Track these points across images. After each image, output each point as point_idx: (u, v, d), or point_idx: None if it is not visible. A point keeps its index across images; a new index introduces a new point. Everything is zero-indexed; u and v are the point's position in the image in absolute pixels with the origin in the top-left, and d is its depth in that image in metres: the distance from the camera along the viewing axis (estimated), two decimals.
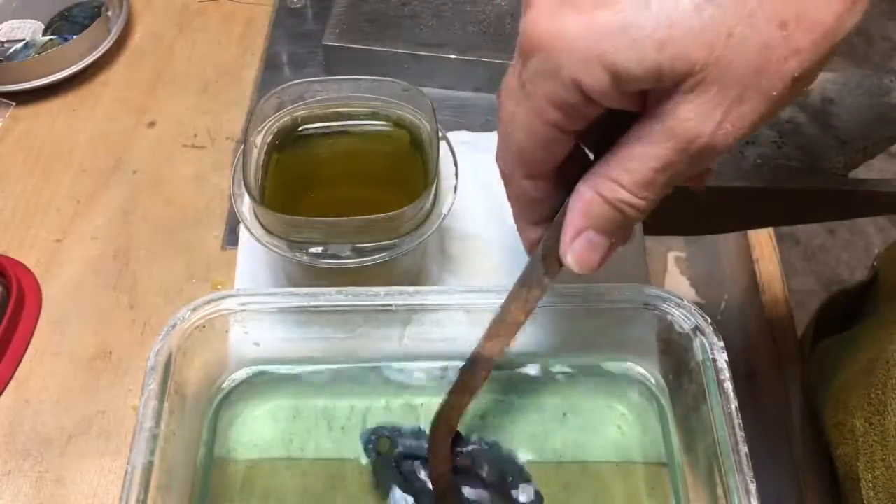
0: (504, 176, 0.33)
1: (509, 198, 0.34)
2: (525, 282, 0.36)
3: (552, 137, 0.29)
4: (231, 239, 0.54)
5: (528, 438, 0.43)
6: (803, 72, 0.26)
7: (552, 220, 0.34)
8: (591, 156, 0.32)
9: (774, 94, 0.26)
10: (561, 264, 0.34)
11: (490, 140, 0.58)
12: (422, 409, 0.44)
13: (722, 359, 0.39)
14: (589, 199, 0.30)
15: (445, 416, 0.40)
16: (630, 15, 0.25)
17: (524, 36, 0.27)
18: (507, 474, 0.41)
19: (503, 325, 0.37)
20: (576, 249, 0.32)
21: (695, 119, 0.26)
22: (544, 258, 0.34)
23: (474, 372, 0.38)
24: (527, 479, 0.41)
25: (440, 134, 0.45)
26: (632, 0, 0.25)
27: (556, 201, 0.33)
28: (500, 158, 0.32)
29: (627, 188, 0.29)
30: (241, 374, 0.45)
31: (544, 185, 0.32)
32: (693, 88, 0.25)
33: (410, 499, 0.41)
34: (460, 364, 0.43)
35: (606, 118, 0.29)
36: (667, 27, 0.24)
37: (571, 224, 0.31)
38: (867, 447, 0.40)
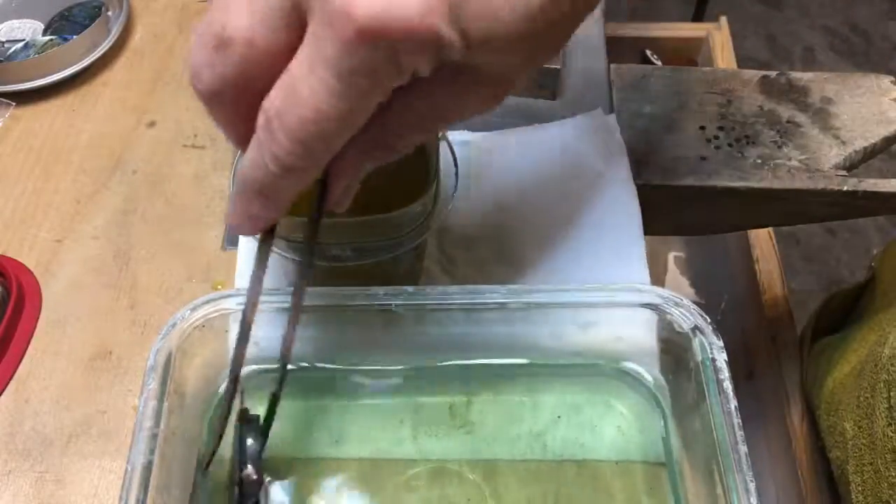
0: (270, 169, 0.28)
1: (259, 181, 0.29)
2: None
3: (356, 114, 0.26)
4: (231, 239, 0.54)
5: (526, 438, 0.43)
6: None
7: None
8: None
9: None
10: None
11: (490, 140, 0.58)
12: (421, 409, 0.44)
13: (721, 358, 0.39)
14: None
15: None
16: None
17: (348, 19, 0.23)
18: None
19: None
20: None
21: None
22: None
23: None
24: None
25: (440, 134, 0.45)
26: None
27: None
28: (276, 149, 0.27)
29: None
30: (241, 373, 0.45)
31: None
32: None
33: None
34: (459, 363, 0.44)
35: None
36: None
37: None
38: (856, 450, 0.40)
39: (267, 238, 0.34)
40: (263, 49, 0.25)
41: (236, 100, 0.27)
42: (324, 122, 0.25)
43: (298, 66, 0.25)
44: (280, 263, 0.49)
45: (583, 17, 0.27)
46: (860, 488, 0.39)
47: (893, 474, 0.37)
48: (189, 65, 0.27)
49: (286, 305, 0.42)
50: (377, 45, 0.23)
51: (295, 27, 0.25)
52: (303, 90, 0.24)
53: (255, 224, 0.30)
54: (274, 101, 0.25)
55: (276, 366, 0.45)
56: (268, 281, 0.50)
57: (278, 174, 0.27)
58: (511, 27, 0.24)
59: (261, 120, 0.26)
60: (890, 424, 0.37)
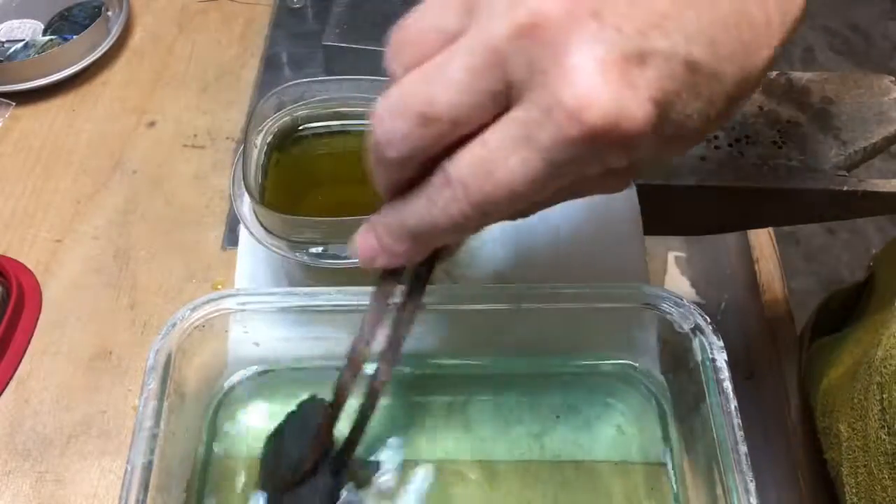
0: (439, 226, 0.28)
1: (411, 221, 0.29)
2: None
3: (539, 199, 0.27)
4: (231, 239, 0.54)
5: (527, 438, 0.43)
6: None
7: None
8: None
9: None
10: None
11: None
12: (421, 409, 0.44)
13: (721, 358, 0.39)
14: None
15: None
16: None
17: (577, 118, 0.23)
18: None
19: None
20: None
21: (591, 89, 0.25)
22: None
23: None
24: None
25: None
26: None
27: None
28: (458, 208, 0.27)
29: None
30: (241, 373, 0.45)
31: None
32: None
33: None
34: (459, 363, 0.44)
35: None
36: None
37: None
38: (850, 452, 0.39)
39: (390, 280, 0.34)
40: (465, 127, 0.26)
41: (417, 166, 0.28)
42: (511, 198, 0.26)
43: (499, 142, 0.25)
44: (280, 263, 0.49)
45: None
46: (854, 490, 0.39)
47: (887, 477, 0.37)
48: (377, 131, 0.28)
49: (286, 305, 0.42)
50: (597, 145, 0.24)
51: (499, 105, 0.25)
52: (500, 166, 0.25)
53: (393, 261, 0.31)
54: (462, 167, 0.26)
55: (275, 366, 0.45)
56: (268, 281, 0.50)
57: (445, 229, 0.28)
58: (700, 127, 0.26)
59: (440, 179, 0.27)
60: (883, 427, 0.37)
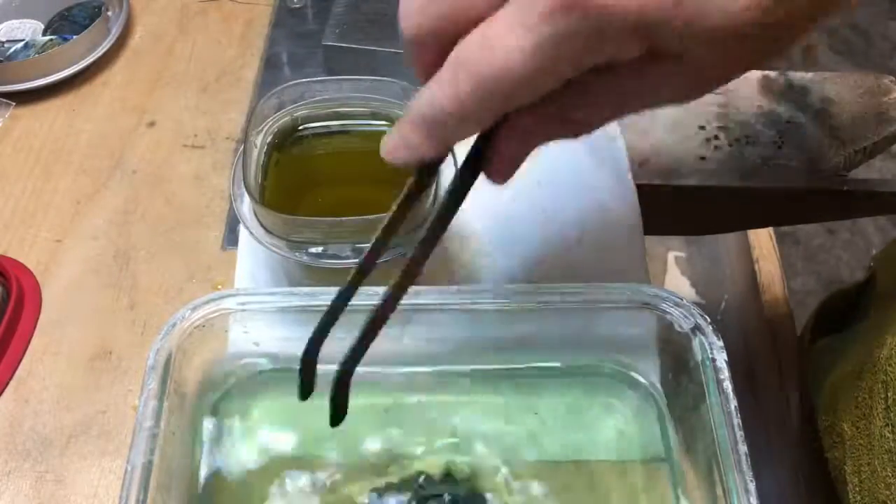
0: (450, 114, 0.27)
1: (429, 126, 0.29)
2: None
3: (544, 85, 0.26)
4: (231, 239, 0.54)
5: (526, 438, 0.43)
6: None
7: None
8: None
9: None
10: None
11: None
12: (421, 409, 0.44)
13: (721, 358, 0.39)
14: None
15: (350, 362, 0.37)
16: None
17: None
18: None
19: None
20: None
21: None
22: None
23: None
24: None
25: None
26: None
27: None
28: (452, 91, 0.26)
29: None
30: (241, 373, 0.45)
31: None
32: None
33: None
34: (460, 364, 0.43)
35: None
36: None
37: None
38: (854, 451, 0.40)
39: (416, 181, 0.33)
40: (475, 9, 0.25)
41: (436, 44, 0.27)
42: (509, 77, 0.25)
43: (498, 21, 0.25)
44: (280, 263, 0.49)
45: (822, 19, 0.25)
46: (857, 489, 0.39)
47: (890, 475, 0.37)
48: (399, 7, 0.28)
49: (286, 305, 0.42)
50: (584, 17, 0.23)
51: None
52: (497, 43, 0.25)
53: (409, 154, 0.30)
54: (466, 46, 0.26)
55: (275, 365, 0.45)
56: (268, 281, 0.50)
57: (450, 114, 0.27)
58: (740, 19, 0.23)
59: (449, 60, 0.26)
60: (887, 425, 0.37)
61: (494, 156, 0.31)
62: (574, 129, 0.30)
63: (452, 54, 0.26)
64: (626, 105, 0.28)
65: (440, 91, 0.27)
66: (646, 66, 0.25)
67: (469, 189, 0.33)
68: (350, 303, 0.42)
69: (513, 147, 0.30)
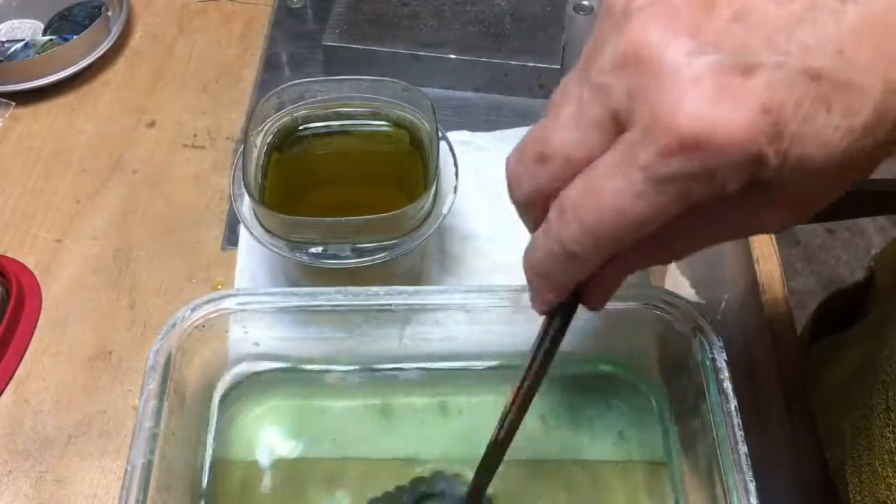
0: (563, 254, 0.28)
1: (544, 264, 0.30)
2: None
3: (649, 225, 0.26)
4: (231, 239, 0.54)
5: (527, 438, 0.43)
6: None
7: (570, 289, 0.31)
8: None
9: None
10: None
11: (490, 140, 0.58)
12: (421, 409, 0.44)
13: (721, 358, 0.39)
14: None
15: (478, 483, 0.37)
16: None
17: (671, 129, 0.23)
18: None
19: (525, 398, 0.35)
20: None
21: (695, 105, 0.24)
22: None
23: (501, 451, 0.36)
24: None
25: (440, 134, 0.45)
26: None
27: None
28: (575, 232, 0.27)
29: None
30: (241, 374, 0.45)
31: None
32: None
33: None
34: (460, 364, 0.43)
35: None
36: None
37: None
38: (854, 451, 0.40)
39: (558, 314, 0.34)
40: (577, 160, 0.26)
41: (545, 202, 0.28)
42: (620, 222, 0.25)
43: (605, 166, 0.25)
44: (280, 263, 0.49)
45: None
46: (858, 489, 0.39)
47: (891, 474, 0.37)
48: (506, 176, 0.29)
49: (286, 305, 0.42)
50: (695, 157, 0.23)
51: (609, 136, 0.26)
52: (606, 188, 0.25)
53: (540, 302, 0.32)
54: (572, 193, 0.26)
55: (275, 365, 0.45)
56: (268, 281, 0.50)
57: (561, 258, 0.28)
58: (835, 153, 0.24)
59: (555, 207, 0.27)
60: (887, 425, 0.37)
61: (597, 288, 0.32)
62: (672, 257, 0.31)
63: (557, 201, 0.27)
64: (726, 233, 0.29)
65: (546, 238, 0.28)
66: (747, 196, 0.26)
67: (569, 325, 0.34)
68: (348, 302, 0.42)
69: (615, 280, 0.32)
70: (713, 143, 0.23)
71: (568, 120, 0.26)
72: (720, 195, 0.25)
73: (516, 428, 0.35)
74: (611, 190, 0.25)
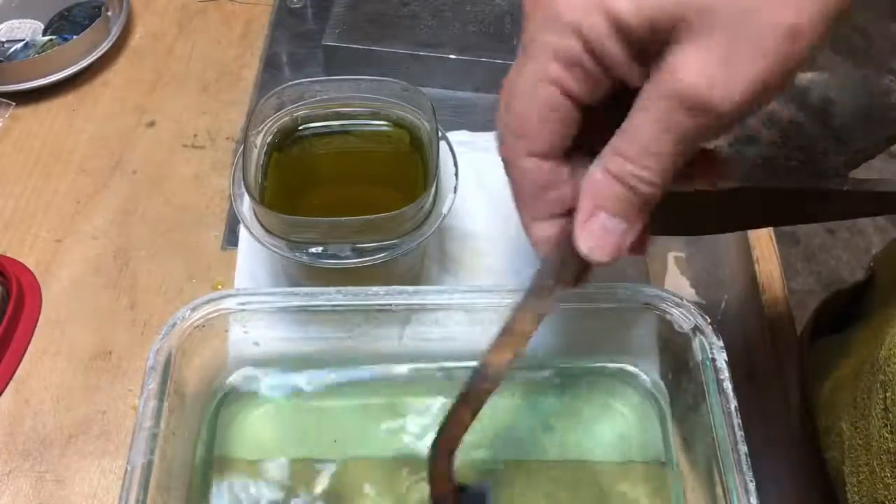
0: (505, 158, 0.30)
1: (512, 184, 0.31)
2: (535, 289, 0.33)
3: (557, 102, 0.27)
4: (231, 239, 0.54)
5: (527, 438, 0.43)
6: (797, 25, 0.24)
7: (560, 219, 0.31)
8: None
9: (769, 45, 0.24)
10: (573, 266, 0.31)
11: (490, 140, 0.58)
12: (421, 409, 0.44)
13: (721, 358, 0.39)
14: (597, 177, 0.28)
15: (446, 434, 0.36)
16: None
17: None
18: None
19: (510, 335, 0.34)
20: (588, 234, 0.29)
21: (688, 74, 0.25)
22: (558, 263, 0.32)
23: (478, 386, 0.35)
24: None
25: (440, 134, 0.45)
26: None
27: (564, 193, 0.30)
28: (501, 137, 0.29)
29: (632, 159, 0.27)
30: (241, 373, 0.45)
31: (551, 167, 0.29)
32: (684, 38, 0.25)
33: None
34: (460, 364, 0.43)
35: (623, 104, 0.27)
36: None
37: (582, 207, 0.29)
38: (852, 451, 0.39)
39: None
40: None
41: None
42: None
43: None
44: (280, 263, 0.49)
45: None
46: (856, 489, 0.39)
47: (889, 475, 0.37)
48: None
49: (286, 305, 0.42)
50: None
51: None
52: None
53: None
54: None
55: (275, 365, 0.45)
56: (268, 281, 0.50)
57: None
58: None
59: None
60: (886, 426, 0.37)
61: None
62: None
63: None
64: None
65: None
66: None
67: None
68: (348, 302, 0.42)
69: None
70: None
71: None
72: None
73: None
74: (514, 79, 0.28)
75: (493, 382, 0.35)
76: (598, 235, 0.29)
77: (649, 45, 0.26)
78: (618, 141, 0.28)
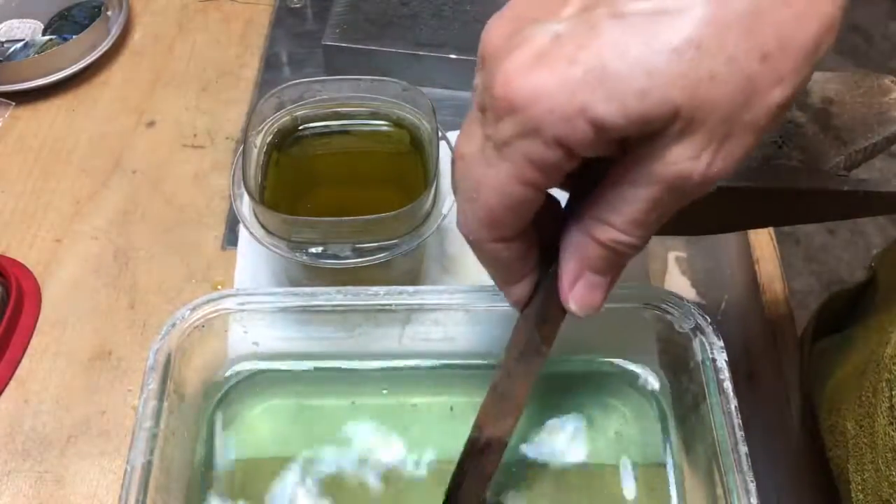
0: (473, 243, 0.31)
1: (483, 263, 0.32)
2: (524, 352, 0.34)
3: (528, 198, 0.28)
4: (231, 239, 0.54)
5: (526, 438, 0.43)
6: (786, 98, 0.25)
7: (533, 274, 0.32)
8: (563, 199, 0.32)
9: (761, 124, 0.25)
10: (557, 323, 0.33)
11: None
12: (421, 409, 0.44)
13: (721, 358, 0.39)
14: (581, 242, 0.30)
15: None
16: (608, 65, 0.24)
17: (496, 98, 0.26)
18: None
19: (509, 403, 0.35)
20: (577, 294, 0.31)
21: (684, 162, 0.25)
22: (540, 322, 0.33)
23: (488, 458, 0.36)
24: None
25: (440, 134, 0.45)
26: (607, 50, 0.24)
27: (533, 255, 0.32)
28: (466, 226, 0.30)
29: (619, 228, 0.28)
30: (241, 374, 0.45)
31: (519, 245, 0.31)
32: (679, 133, 0.25)
33: None
34: (459, 363, 0.43)
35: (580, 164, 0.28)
36: (646, 75, 0.24)
37: (567, 271, 0.31)
38: (857, 449, 0.40)
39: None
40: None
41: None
42: (489, 201, 0.28)
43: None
44: (280, 263, 0.49)
45: None
46: (860, 487, 0.39)
47: (894, 473, 0.37)
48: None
49: (286, 305, 0.42)
50: (519, 116, 0.25)
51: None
52: (472, 171, 0.28)
53: (511, 296, 0.34)
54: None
55: (275, 365, 0.45)
56: (268, 281, 0.50)
57: (475, 249, 0.31)
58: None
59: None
60: (891, 423, 0.37)
61: (562, 275, 0.33)
62: (620, 232, 0.32)
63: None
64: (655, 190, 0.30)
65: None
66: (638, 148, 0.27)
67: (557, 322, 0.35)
68: (348, 302, 0.42)
69: (572, 264, 0.32)
70: (532, 103, 0.25)
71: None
72: (586, 155, 0.26)
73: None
74: (480, 178, 0.28)
75: (501, 450, 0.36)
76: (585, 294, 0.31)
77: (631, 138, 0.26)
78: (603, 212, 0.28)
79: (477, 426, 0.36)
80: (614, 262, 0.30)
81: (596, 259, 0.30)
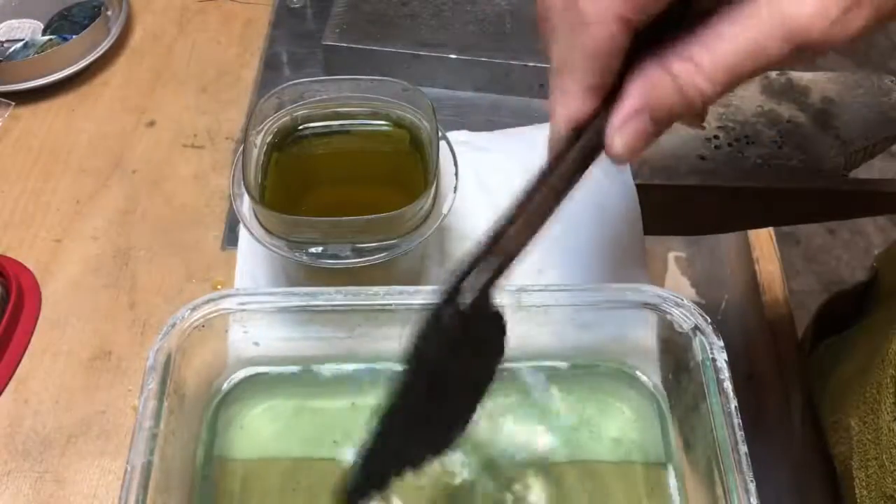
0: (587, 24, 0.27)
1: (560, 51, 0.29)
2: (550, 171, 0.30)
3: None
4: (231, 239, 0.54)
5: (527, 438, 0.43)
6: None
7: (601, 91, 0.28)
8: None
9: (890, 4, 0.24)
10: (581, 166, 0.29)
11: (490, 140, 0.58)
12: None
13: (721, 358, 0.39)
14: (654, 76, 0.26)
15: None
16: None
17: None
18: None
19: (531, 214, 0.31)
20: (627, 131, 0.28)
21: (813, 13, 0.24)
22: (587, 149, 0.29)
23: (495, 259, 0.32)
24: None
25: (440, 134, 0.45)
26: None
27: (617, 65, 0.28)
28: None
29: (704, 71, 0.25)
30: (241, 373, 0.45)
31: (626, 37, 0.27)
32: None
33: None
34: None
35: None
36: None
37: (629, 103, 0.27)
38: (861, 446, 0.40)
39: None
40: None
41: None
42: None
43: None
44: (280, 263, 0.49)
45: None
46: (864, 483, 0.39)
47: None
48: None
49: (286, 305, 0.42)
50: None
51: None
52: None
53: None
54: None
55: (275, 365, 0.45)
56: (268, 281, 0.50)
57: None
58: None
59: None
60: (895, 419, 0.37)
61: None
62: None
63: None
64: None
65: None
66: None
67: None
68: (348, 302, 0.42)
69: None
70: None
71: None
72: None
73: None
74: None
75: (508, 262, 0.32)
76: (632, 135, 0.28)
77: None
78: (693, 49, 0.26)
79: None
80: (675, 112, 0.27)
81: (661, 99, 0.27)
